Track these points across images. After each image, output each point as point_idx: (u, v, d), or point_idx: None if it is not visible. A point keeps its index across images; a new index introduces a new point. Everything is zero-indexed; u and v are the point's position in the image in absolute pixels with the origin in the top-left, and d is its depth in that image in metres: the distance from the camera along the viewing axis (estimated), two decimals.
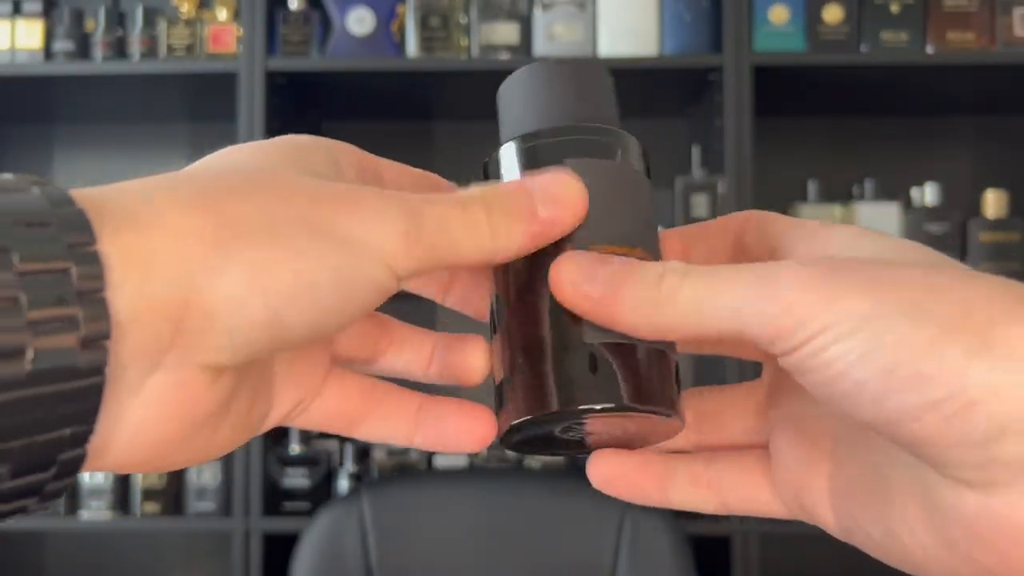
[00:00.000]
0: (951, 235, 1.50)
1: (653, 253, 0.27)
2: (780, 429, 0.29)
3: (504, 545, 1.11)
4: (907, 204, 1.55)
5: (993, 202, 1.53)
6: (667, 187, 1.54)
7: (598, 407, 0.25)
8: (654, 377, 0.26)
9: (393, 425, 0.29)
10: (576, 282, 0.25)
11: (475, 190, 0.26)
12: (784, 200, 1.59)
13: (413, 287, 0.31)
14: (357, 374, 0.29)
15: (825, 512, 0.27)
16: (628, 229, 0.27)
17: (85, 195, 0.21)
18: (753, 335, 0.24)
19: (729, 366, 1.37)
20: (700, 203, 1.48)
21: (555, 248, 0.26)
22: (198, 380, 0.22)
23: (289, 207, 0.23)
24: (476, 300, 0.31)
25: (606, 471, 0.29)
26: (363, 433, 0.29)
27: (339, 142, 0.28)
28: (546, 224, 0.26)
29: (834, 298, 0.22)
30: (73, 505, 1.51)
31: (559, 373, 0.26)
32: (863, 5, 1.48)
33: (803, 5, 1.47)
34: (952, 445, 0.21)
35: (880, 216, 1.52)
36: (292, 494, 1.48)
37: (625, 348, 0.26)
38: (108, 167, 1.77)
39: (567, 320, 0.26)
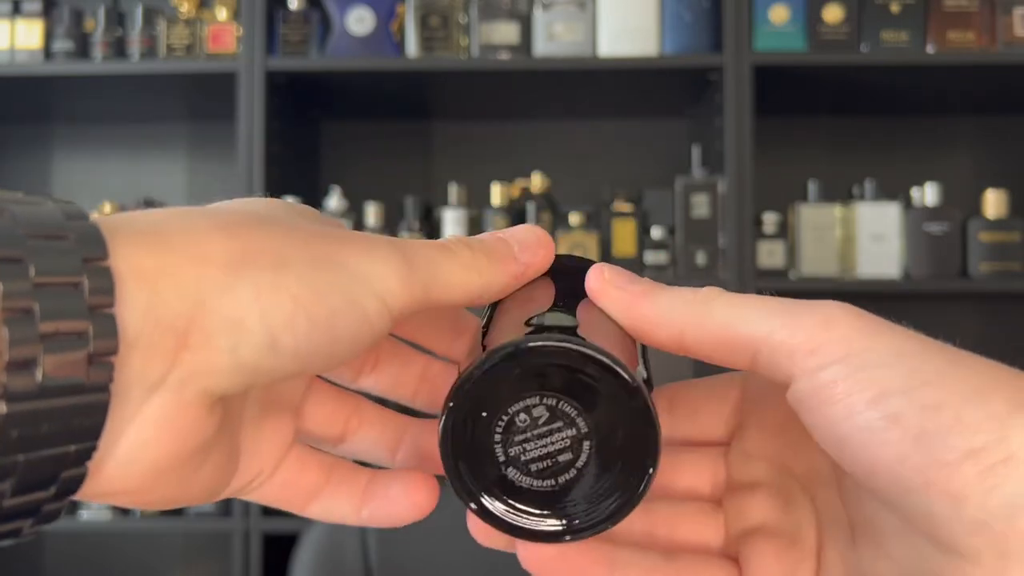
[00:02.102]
0: (951, 235, 1.50)
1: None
2: (752, 539, 0.27)
3: None
4: (907, 204, 1.54)
5: (993, 202, 1.53)
6: (667, 187, 1.54)
7: (551, 343, 0.24)
8: (622, 355, 0.25)
9: (343, 503, 0.28)
10: (615, 278, 0.26)
11: (453, 237, 0.27)
12: (784, 200, 1.59)
13: (331, 373, 0.30)
14: (318, 451, 0.29)
15: None
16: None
17: (97, 218, 0.21)
18: (778, 345, 0.23)
19: None
20: (700, 203, 1.48)
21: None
22: (195, 407, 0.22)
23: (297, 240, 0.24)
24: (389, 382, 0.30)
25: (538, 553, 0.26)
26: (314, 511, 0.29)
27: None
28: (525, 266, 0.27)
29: (873, 328, 0.22)
30: (73, 505, 1.51)
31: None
32: (863, 5, 1.48)
33: (803, 5, 1.47)
34: (978, 503, 0.20)
35: (880, 216, 1.52)
36: None
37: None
38: (107, 167, 1.77)
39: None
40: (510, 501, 0.25)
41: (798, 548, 0.26)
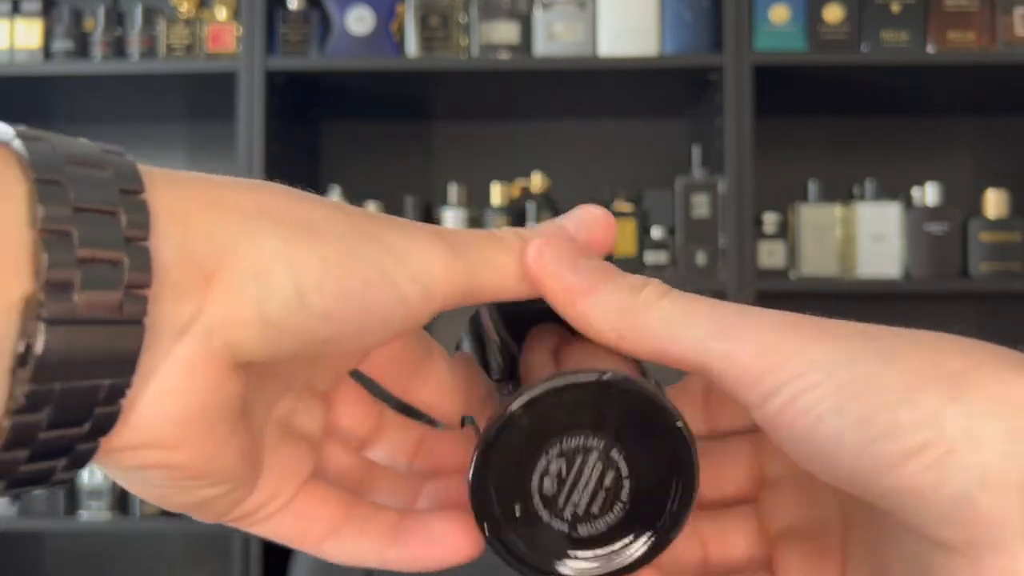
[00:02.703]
0: (951, 235, 1.50)
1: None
2: (784, 544, 0.27)
3: None
4: (908, 204, 1.54)
5: (994, 202, 1.53)
6: (667, 187, 1.54)
7: (582, 379, 0.23)
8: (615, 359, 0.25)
9: (364, 542, 0.27)
10: (556, 265, 0.25)
11: (506, 228, 0.26)
12: (784, 200, 1.59)
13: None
14: (337, 488, 0.28)
15: None
16: None
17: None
18: (718, 373, 0.23)
19: None
20: (700, 203, 1.48)
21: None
22: (219, 361, 0.21)
23: (332, 211, 0.23)
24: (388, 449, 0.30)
25: None
26: (330, 549, 0.27)
27: None
28: (584, 245, 0.26)
29: (806, 346, 0.22)
30: (72, 505, 1.51)
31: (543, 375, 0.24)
32: (864, 5, 1.48)
33: (803, 5, 1.47)
34: (933, 497, 0.20)
35: (880, 216, 1.52)
36: None
37: None
38: None
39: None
40: (535, 538, 0.24)
41: (824, 548, 0.26)
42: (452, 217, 1.54)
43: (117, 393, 0.20)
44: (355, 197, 1.62)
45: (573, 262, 0.25)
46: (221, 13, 1.54)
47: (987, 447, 0.19)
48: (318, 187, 1.70)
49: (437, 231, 0.25)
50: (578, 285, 0.25)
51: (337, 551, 0.27)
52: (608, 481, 0.24)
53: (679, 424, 0.23)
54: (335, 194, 1.58)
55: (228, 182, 0.23)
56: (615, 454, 0.24)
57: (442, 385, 0.30)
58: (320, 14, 1.53)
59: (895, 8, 1.48)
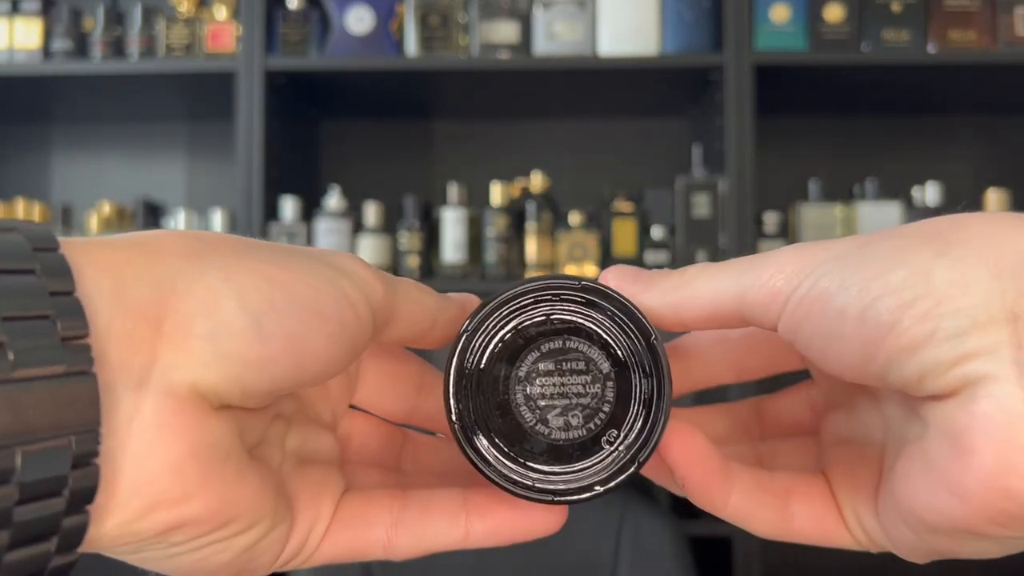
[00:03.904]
0: None
1: None
2: (831, 452, 0.29)
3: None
4: (908, 204, 1.54)
5: (994, 202, 1.52)
6: (668, 187, 1.54)
7: (557, 279, 0.26)
8: None
9: (438, 524, 0.26)
10: (621, 280, 0.28)
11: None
12: (785, 200, 1.59)
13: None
14: (378, 489, 0.28)
15: (877, 529, 0.26)
16: None
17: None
18: (752, 304, 0.25)
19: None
20: (701, 203, 1.47)
21: None
22: (194, 404, 0.21)
23: (261, 242, 0.24)
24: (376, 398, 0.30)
25: (685, 442, 0.27)
26: (405, 543, 0.26)
27: None
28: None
29: (816, 250, 0.24)
30: None
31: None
32: (864, 4, 1.47)
33: (804, 4, 1.47)
34: (927, 347, 0.21)
35: (881, 216, 1.51)
36: None
37: None
38: (106, 166, 1.77)
39: None
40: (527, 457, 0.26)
41: (865, 454, 0.28)
42: (452, 217, 1.53)
43: (88, 453, 0.19)
44: (355, 197, 1.62)
45: (635, 275, 0.28)
46: (220, 13, 1.54)
47: (973, 289, 0.21)
48: (318, 187, 1.70)
49: (354, 256, 0.26)
50: (639, 285, 0.28)
51: (412, 541, 0.26)
52: (587, 388, 0.26)
53: (654, 340, 0.26)
54: (335, 194, 1.58)
55: (151, 232, 0.23)
56: (594, 357, 0.26)
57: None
58: (320, 14, 1.53)
59: (896, 8, 1.47)
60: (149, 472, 0.20)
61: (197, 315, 0.21)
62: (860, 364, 0.23)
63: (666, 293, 0.27)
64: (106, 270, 0.20)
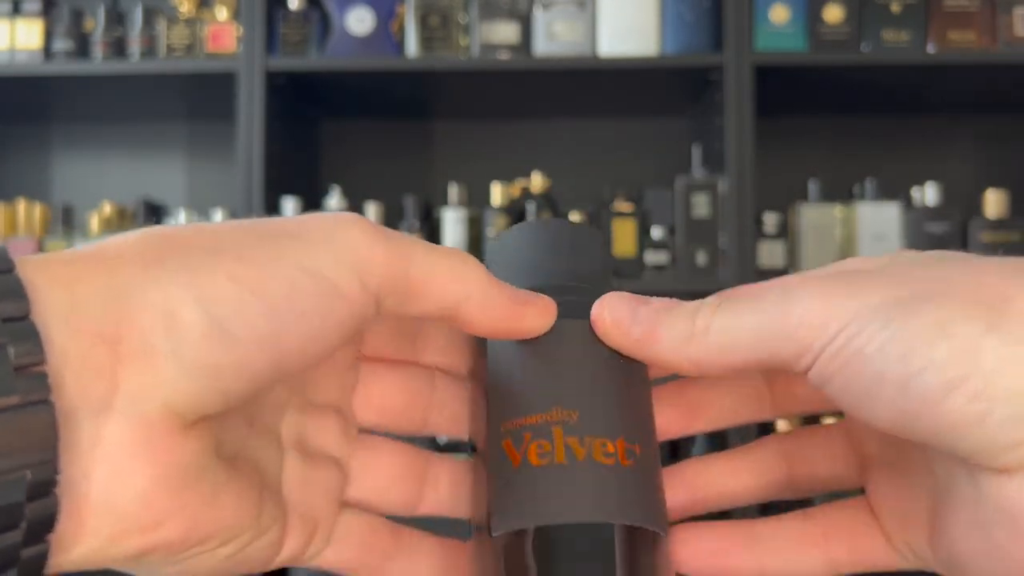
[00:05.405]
0: (951, 235, 1.50)
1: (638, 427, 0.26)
2: (876, 471, 0.27)
3: None
4: (908, 204, 1.54)
5: (994, 202, 1.52)
6: (668, 187, 1.54)
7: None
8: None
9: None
10: (619, 321, 0.25)
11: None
12: (785, 200, 1.59)
13: None
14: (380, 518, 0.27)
15: (927, 551, 0.25)
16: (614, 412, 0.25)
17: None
18: (780, 358, 0.23)
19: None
20: (701, 203, 1.47)
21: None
22: (165, 427, 0.20)
23: (231, 228, 0.22)
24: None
25: (696, 548, 0.26)
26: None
27: None
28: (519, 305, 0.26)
29: (847, 299, 0.22)
30: None
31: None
32: (864, 4, 1.47)
33: (804, 5, 1.47)
34: (979, 429, 0.20)
35: (880, 216, 1.52)
36: None
37: None
38: (107, 167, 1.77)
39: None
40: None
41: (914, 486, 0.26)
42: (452, 217, 1.53)
43: (45, 482, 0.18)
44: (355, 197, 1.62)
45: (633, 314, 0.25)
46: (221, 13, 1.54)
47: None
48: (318, 187, 1.70)
49: (361, 217, 0.23)
50: (643, 334, 0.25)
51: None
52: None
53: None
54: (335, 194, 1.58)
55: (111, 239, 0.21)
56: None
57: (456, 410, 0.29)
58: (320, 14, 1.53)
59: (895, 8, 1.47)
60: (118, 500, 0.19)
61: (157, 329, 0.19)
62: (899, 428, 0.22)
63: (678, 346, 0.25)
64: (62, 287, 0.19)
